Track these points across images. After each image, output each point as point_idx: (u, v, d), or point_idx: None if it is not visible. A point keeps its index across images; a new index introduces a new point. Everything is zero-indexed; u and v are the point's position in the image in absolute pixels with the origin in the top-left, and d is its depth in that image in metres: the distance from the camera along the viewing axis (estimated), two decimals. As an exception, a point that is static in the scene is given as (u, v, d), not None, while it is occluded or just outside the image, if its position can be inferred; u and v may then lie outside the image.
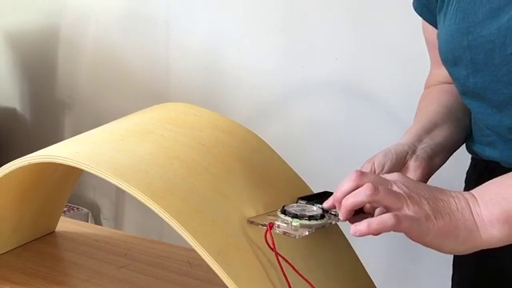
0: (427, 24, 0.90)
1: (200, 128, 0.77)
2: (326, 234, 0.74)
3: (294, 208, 0.70)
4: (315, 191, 0.77)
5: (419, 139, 0.83)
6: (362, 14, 1.69)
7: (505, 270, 0.83)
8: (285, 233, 0.66)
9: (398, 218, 0.61)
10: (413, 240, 0.63)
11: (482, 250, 0.65)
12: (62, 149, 0.72)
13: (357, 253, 0.77)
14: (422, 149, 0.81)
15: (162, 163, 0.68)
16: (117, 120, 0.81)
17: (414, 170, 0.79)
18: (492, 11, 0.74)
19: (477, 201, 0.64)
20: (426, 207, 0.63)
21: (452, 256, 0.94)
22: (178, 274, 0.83)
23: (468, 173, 0.94)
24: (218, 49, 1.94)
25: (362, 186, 0.64)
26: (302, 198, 0.75)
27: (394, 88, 1.63)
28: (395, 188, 0.64)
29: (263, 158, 0.78)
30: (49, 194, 0.88)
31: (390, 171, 0.76)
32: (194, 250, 0.61)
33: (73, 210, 2.13)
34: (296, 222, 0.67)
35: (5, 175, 0.73)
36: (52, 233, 0.94)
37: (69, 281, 0.81)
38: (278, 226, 0.66)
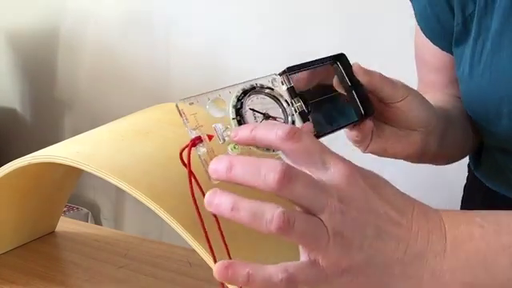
0: (432, 46, 0.78)
1: (200, 128, 0.77)
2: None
3: (262, 100, 0.49)
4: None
5: (441, 127, 0.67)
6: (362, 14, 1.69)
7: None
8: (204, 162, 0.44)
9: (288, 283, 0.41)
10: None
11: None
12: (62, 149, 0.72)
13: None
14: (434, 136, 0.66)
15: (162, 163, 0.68)
16: (117, 120, 0.80)
17: (411, 142, 0.62)
18: None
19: (445, 251, 0.44)
20: (353, 254, 0.42)
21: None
22: (178, 273, 0.82)
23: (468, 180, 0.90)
24: (217, 49, 1.94)
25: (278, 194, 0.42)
26: (290, 70, 0.52)
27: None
28: (325, 214, 0.42)
29: (263, 158, 0.78)
30: (49, 194, 0.88)
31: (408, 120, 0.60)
32: (193, 250, 0.61)
33: (73, 210, 2.13)
34: (235, 148, 0.45)
35: (5, 175, 0.73)
36: (52, 233, 0.94)
37: (69, 281, 0.81)
38: (203, 142, 0.45)
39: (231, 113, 0.48)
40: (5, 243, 0.86)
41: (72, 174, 0.89)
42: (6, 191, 0.79)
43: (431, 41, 0.79)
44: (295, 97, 0.52)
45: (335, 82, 0.58)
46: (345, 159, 0.45)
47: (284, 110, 0.51)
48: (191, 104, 0.47)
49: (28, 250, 0.88)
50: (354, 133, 0.61)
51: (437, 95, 0.80)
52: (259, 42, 1.87)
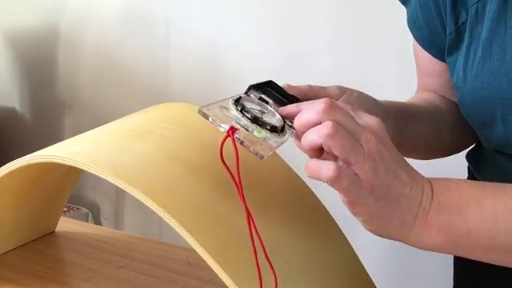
0: (425, 53, 0.82)
1: (200, 128, 0.77)
2: (325, 233, 0.74)
3: (253, 104, 0.59)
4: (315, 191, 0.77)
5: (393, 119, 0.74)
6: (362, 14, 1.69)
7: None
8: (243, 143, 0.54)
9: (338, 173, 0.52)
10: (343, 202, 0.55)
11: None
12: (61, 149, 0.72)
13: (357, 252, 0.77)
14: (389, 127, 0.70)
15: (162, 163, 0.68)
16: (117, 120, 0.80)
17: None
18: None
19: (432, 198, 0.56)
20: (380, 177, 0.54)
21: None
22: (178, 273, 0.83)
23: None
24: (218, 49, 1.95)
25: (323, 121, 0.54)
26: (254, 87, 0.63)
27: (395, 89, 1.63)
28: (362, 140, 0.54)
29: (263, 157, 0.78)
30: (49, 194, 0.88)
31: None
32: (193, 250, 0.61)
33: (73, 209, 2.13)
34: (259, 133, 0.55)
35: (5, 175, 0.73)
36: (52, 233, 0.94)
37: (69, 281, 0.81)
38: (238, 130, 0.54)
39: (238, 113, 0.58)
40: (5, 243, 0.86)
41: (72, 173, 0.89)
42: (6, 191, 0.79)
43: (423, 48, 0.82)
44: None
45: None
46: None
47: (271, 108, 0.62)
48: (208, 110, 0.57)
49: (28, 250, 0.88)
50: None
51: (419, 95, 0.86)
52: (259, 41, 1.87)
